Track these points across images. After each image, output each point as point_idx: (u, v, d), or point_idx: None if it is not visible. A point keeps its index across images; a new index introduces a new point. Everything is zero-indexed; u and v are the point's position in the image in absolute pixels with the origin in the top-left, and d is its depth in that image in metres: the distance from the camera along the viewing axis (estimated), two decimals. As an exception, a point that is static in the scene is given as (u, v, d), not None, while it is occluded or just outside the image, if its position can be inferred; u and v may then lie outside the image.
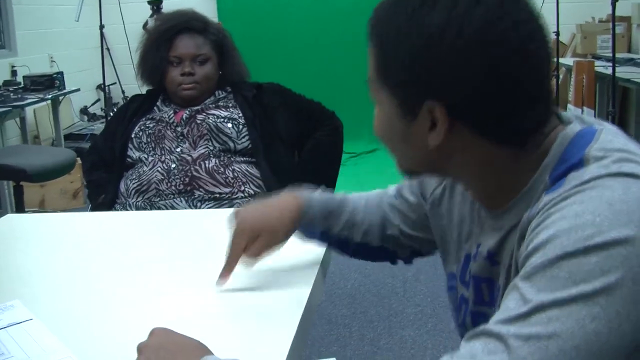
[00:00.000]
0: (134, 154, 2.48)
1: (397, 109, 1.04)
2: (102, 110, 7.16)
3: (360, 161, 6.23)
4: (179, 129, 2.46)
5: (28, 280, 1.60)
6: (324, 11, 7.16)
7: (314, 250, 1.60)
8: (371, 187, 5.40)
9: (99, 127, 6.99)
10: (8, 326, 1.32)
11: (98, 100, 7.68)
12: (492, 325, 0.86)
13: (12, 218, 2.20)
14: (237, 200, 2.33)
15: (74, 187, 5.69)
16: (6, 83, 6.02)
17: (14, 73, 6.29)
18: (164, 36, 2.61)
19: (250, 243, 1.43)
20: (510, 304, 0.86)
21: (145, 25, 7.61)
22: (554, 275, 0.84)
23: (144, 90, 2.77)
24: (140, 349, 1.07)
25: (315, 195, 1.53)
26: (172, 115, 2.51)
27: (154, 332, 1.09)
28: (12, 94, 5.66)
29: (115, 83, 7.31)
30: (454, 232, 1.23)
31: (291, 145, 2.58)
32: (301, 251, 1.58)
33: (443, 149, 1.01)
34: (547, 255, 0.86)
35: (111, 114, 6.75)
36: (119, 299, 1.46)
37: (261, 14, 7.20)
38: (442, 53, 0.95)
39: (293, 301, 1.37)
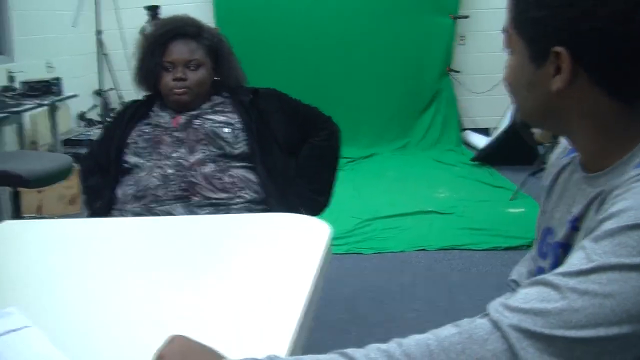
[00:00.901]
0: (130, 159, 2.48)
1: (528, 55, 1.14)
2: (99, 115, 7.15)
3: (357, 166, 6.24)
4: (176, 134, 2.46)
5: (25, 287, 1.60)
6: (322, 16, 7.16)
7: (312, 255, 1.59)
8: (368, 192, 5.35)
9: (96, 132, 6.98)
10: (5, 333, 1.31)
11: (95, 105, 7.67)
12: (551, 276, 0.92)
13: (9, 224, 2.19)
14: (235, 206, 2.32)
15: (71, 193, 5.68)
16: (4, 89, 6.02)
17: (11, 79, 6.28)
18: (158, 41, 2.61)
19: None
20: (574, 261, 0.92)
21: (142, 31, 7.62)
22: (622, 242, 0.89)
23: (140, 96, 2.77)
24: (162, 356, 1.02)
25: None
26: (169, 120, 2.51)
27: (174, 340, 1.05)
28: (9, 100, 5.65)
29: (112, 89, 7.31)
30: None
31: (288, 150, 2.57)
32: (299, 256, 1.58)
33: (563, 97, 1.10)
34: (620, 223, 0.91)
35: (108, 119, 6.76)
36: (118, 306, 1.45)
37: (258, 19, 7.19)
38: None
39: (291, 306, 1.37)
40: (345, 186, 4.79)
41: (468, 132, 7.26)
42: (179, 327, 1.19)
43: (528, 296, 0.91)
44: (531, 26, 1.13)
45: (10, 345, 1.28)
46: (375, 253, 4.29)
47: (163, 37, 2.60)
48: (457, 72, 7.29)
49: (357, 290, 3.73)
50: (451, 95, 7.32)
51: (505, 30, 1.20)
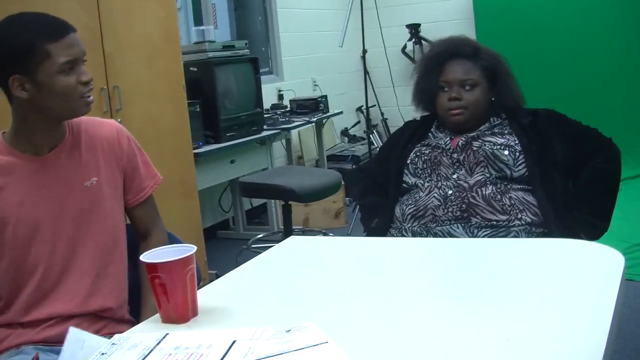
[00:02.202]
0: (409, 179, 2.52)
1: None
2: (364, 132, 7.34)
3: (625, 187, 5.91)
4: (455, 155, 2.47)
5: (319, 302, 1.66)
6: (588, 31, 6.90)
7: (608, 285, 1.52)
8: (636, 214, 5.08)
9: (359, 148, 7.17)
10: (305, 347, 1.37)
11: (358, 122, 7.88)
12: None
13: (296, 240, 2.29)
14: (514, 228, 2.29)
15: (336, 207, 5.87)
16: (274, 107, 6.34)
17: (280, 97, 6.61)
18: (434, 61, 2.64)
19: None
20: None
21: (404, 49, 7.75)
22: None
23: (401, 113, 2.81)
24: None
25: None
26: (448, 141, 2.52)
27: None
28: (280, 117, 5.94)
29: (374, 105, 7.47)
30: None
31: (567, 172, 2.50)
32: (593, 285, 1.51)
33: None
34: None
35: (371, 135, 6.90)
36: (406, 325, 1.47)
37: (521, 36, 7.04)
38: None
39: (593, 340, 1.29)
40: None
41: None
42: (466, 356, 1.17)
43: None
44: None
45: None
46: (646, 280, 4.04)
47: (439, 57, 2.63)
48: None
49: (628, 319, 3.54)
50: None
51: None
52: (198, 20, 6.18)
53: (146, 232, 2.23)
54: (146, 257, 1.57)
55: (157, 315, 1.60)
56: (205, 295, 1.71)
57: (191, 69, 4.89)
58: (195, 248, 1.59)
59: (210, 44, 5.12)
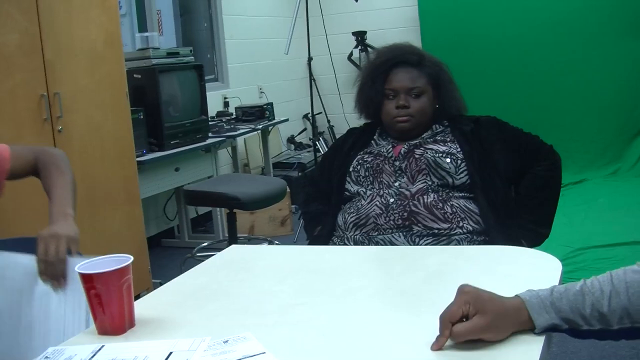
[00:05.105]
0: (351, 187, 2.51)
1: None
2: (310, 139, 7.35)
3: (567, 192, 6.02)
4: (397, 163, 2.47)
5: (257, 312, 1.65)
6: (530, 41, 7.00)
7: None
8: (578, 219, 5.14)
9: (305, 155, 7.18)
10: (243, 358, 1.35)
11: (304, 129, 7.89)
12: None
13: (237, 249, 2.27)
14: (455, 236, 2.30)
15: (282, 215, 5.86)
16: (219, 114, 6.32)
17: (226, 104, 6.58)
18: (379, 69, 2.63)
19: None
20: None
21: (350, 56, 7.78)
22: None
23: (347, 120, 2.81)
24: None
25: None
26: (391, 149, 2.52)
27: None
28: (225, 125, 5.92)
29: (320, 112, 7.49)
30: None
31: (508, 180, 2.52)
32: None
33: None
34: None
35: (317, 143, 6.91)
36: (344, 335, 1.46)
37: (465, 44, 7.13)
38: None
39: (528, 342, 1.31)
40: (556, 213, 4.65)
41: (685, 157, 6.81)
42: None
43: None
44: None
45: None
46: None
47: (385, 64, 2.62)
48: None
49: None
50: (667, 118, 6.94)
51: None
52: (143, 26, 6.13)
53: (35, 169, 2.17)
54: (82, 267, 1.54)
55: (93, 327, 1.57)
56: (143, 305, 1.70)
57: (135, 75, 4.85)
58: (131, 258, 1.56)
59: (154, 50, 5.07)
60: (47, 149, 2.22)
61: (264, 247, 2.56)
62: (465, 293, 1.37)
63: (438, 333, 1.34)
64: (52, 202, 2.00)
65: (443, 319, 1.34)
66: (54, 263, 1.77)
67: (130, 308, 1.57)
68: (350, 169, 2.53)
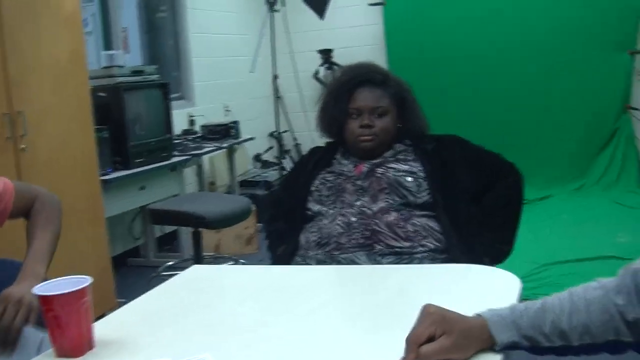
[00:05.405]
0: (314, 206, 2.51)
1: None
2: (275, 157, 7.35)
3: (532, 208, 6.07)
4: (359, 182, 2.47)
5: (217, 332, 1.64)
6: (495, 57, 7.09)
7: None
8: (544, 235, 5.18)
9: (272, 173, 7.17)
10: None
11: (271, 147, 7.88)
12: None
13: (198, 269, 2.27)
14: (417, 255, 2.31)
15: (248, 233, 5.84)
16: (185, 132, 6.31)
17: (191, 122, 6.57)
18: (343, 88, 2.64)
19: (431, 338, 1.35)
20: None
21: (316, 74, 7.80)
22: None
23: (313, 138, 2.80)
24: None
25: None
26: (352, 168, 2.53)
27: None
28: (191, 143, 5.91)
29: (287, 131, 7.50)
30: None
31: (470, 198, 2.53)
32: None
33: None
34: None
35: (283, 161, 6.92)
36: (305, 356, 1.47)
37: (431, 62, 7.20)
38: None
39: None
40: (521, 229, 4.68)
41: (649, 172, 6.89)
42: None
43: None
44: None
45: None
46: (554, 300, 4.13)
47: (349, 84, 2.63)
48: (637, 109, 6.98)
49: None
50: (630, 133, 7.02)
51: None
52: (109, 44, 6.11)
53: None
54: (39, 289, 1.53)
55: (51, 350, 1.56)
56: (103, 327, 1.68)
57: (100, 94, 4.82)
58: (90, 279, 1.56)
59: (118, 68, 5.05)
60: (43, 194, 2.22)
61: (226, 267, 2.55)
62: (431, 314, 1.38)
63: (400, 352, 1.35)
64: (28, 256, 2.00)
65: (409, 340, 1.34)
66: (8, 329, 1.74)
67: (89, 330, 1.57)
68: (313, 188, 2.53)
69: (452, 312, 1.40)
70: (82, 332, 1.53)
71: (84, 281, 1.54)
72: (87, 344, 1.55)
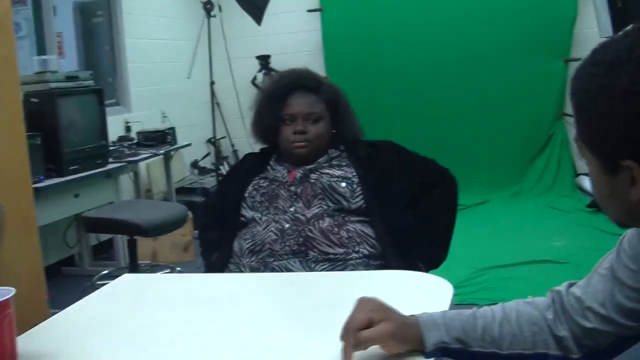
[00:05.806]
0: (247, 213, 2.48)
1: (600, 167, 1.14)
2: (212, 164, 7.29)
3: (470, 213, 6.14)
4: (292, 188, 2.46)
5: (145, 343, 1.61)
6: (432, 64, 7.19)
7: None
8: (481, 240, 5.24)
9: (209, 180, 7.13)
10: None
11: (208, 154, 7.83)
12: None
13: (129, 277, 2.23)
14: (352, 261, 2.29)
15: (184, 240, 5.79)
16: (121, 139, 6.23)
17: (128, 129, 6.49)
18: (277, 94, 2.63)
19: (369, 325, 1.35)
20: None
21: (254, 80, 7.78)
22: None
23: (251, 145, 2.78)
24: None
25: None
26: (286, 174, 2.51)
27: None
28: (126, 150, 5.84)
29: (224, 137, 7.45)
30: None
31: (405, 203, 2.53)
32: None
33: None
34: None
35: (221, 167, 6.87)
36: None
37: (368, 69, 7.25)
38: (629, 115, 1.03)
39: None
40: (458, 234, 4.73)
41: (583, 177, 6.96)
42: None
43: None
44: (597, 141, 1.13)
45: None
46: (490, 304, 4.16)
47: (282, 90, 2.62)
48: (571, 115, 7.07)
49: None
50: (565, 139, 7.16)
51: (576, 140, 1.20)
52: (42, 49, 5.99)
53: None
54: (-41, 302, 1.48)
55: (-29, 365, 1.51)
56: (29, 339, 1.64)
57: (32, 99, 4.72)
58: (13, 291, 1.51)
59: (52, 74, 4.96)
60: None
61: (157, 276, 2.52)
62: (369, 302, 1.39)
63: (333, 356, 1.34)
64: None
65: (348, 327, 1.34)
66: None
67: (12, 344, 1.52)
68: (246, 195, 2.51)
69: (388, 304, 1.41)
70: (4, 346, 1.49)
71: (5, 293, 1.49)
72: (10, 358, 1.51)
